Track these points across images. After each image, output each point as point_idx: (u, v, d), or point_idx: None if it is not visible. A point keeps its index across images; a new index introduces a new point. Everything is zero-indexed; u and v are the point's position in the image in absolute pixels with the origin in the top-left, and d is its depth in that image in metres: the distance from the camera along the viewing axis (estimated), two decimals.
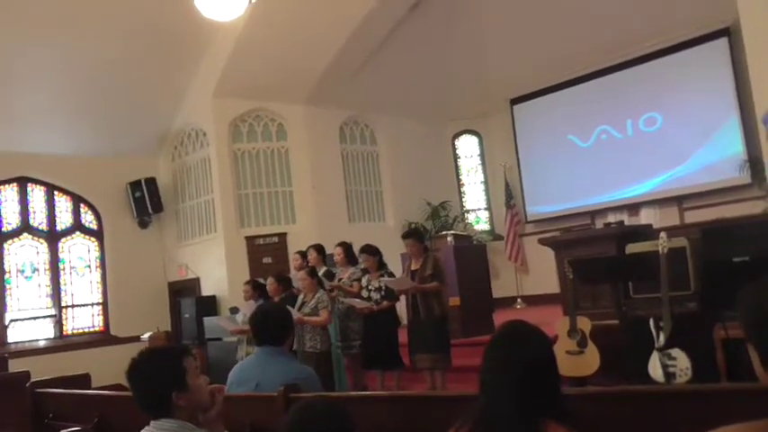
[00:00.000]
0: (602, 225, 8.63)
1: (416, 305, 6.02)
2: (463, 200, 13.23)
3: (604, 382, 5.03)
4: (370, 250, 6.59)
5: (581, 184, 11.25)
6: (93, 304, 11.03)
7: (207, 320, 9.53)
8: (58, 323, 10.62)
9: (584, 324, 5.42)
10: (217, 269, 10.54)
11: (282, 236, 10.70)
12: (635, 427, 2.02)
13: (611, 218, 9.69)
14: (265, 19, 8.98)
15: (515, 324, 2.01)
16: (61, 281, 10.79)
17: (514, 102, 12.32)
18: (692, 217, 9.47)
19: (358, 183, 11.87)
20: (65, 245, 10.95)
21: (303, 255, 7.59)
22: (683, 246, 5.52)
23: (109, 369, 5.99)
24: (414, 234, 6.41)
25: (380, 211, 12.08)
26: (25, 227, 10.60)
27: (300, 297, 6.51)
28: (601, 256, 6.06)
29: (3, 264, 10.26)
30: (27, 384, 4.61)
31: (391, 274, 6.64)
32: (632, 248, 5.81)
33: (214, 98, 10.46)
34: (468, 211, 13.17)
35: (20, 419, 4.60)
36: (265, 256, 10.51)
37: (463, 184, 13.31)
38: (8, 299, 10.21)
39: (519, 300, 11.60)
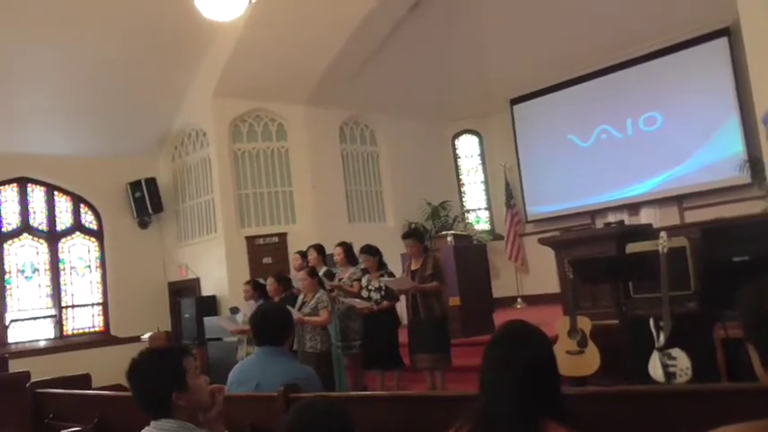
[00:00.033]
0: (602, 225, 8.64)
1: (416, 305, 6.02)
2: (463, 200, 13.23)
3: (604, 381, 5.03)
4: (371, 250, 6.59)
5: (581, 184, 11.25)
6: (93, 304, 11.03)
7: (207, 320, 9.53)
8: (59, 323, 10.62)
9: (585, 324, 5.42)
10: (217, 269, 10.54)
11: (282, 236, 10.70)
12: (635, 427, 2.02)
13: (612, 217, 9.70)
14: (265, 19, 8.98)
15: (515, 324, 2.01)
16: (61, 281, 10.80)
17: (514, 102, 12.32)
18: (692, 216, 9.47)
19: (358, 183, 11.87)
20: (65, 245, 10.95)
21: (303, 255, 7.59)
22: (683, 245, 5.52)
23: (109, 369, 5.99)
24: (414, 234, 6.41)
25: (380, 211, 12.08)
26: (25, 227, 10.60)
27: (300, 297, 6.51)
28: (601, 256, 6.05)
29: (3, 264, 10.26)
30: (27, 384, 4.61)
31: (391, 275, 6.64)
32: (632, 248, 5.81)
33: (214, 98, 10.46)
34: (468, 211, 13.18)
35: (20, 420, 4.60)
36: (265, 256, 10.51)
37: (463, 184, 13.31)
38: (8, 299, 10.22)
39: (519, 300, 11.60)
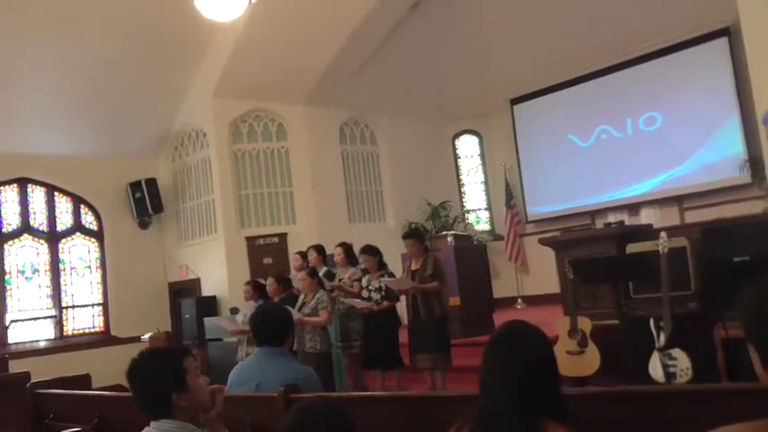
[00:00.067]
0: (602, 225, 8.63)
1: (417, 305, 6.02)
2: (463, 200, 13.23)
3: (605, 382, 5.03)
4: (371, 251, 6.59)
5: (581, 184, 11.25)
6: (93, 305, 11.03)
7: (207, 321, 9.53)
8: (59, 324, 10.62)
9: (585, 324, 5.41)
10: (217, 270, 10.55)
11: (283, 236, 10.71)
12: (635, 427, 2.02)
13: (612, 218, 9.70)
14: (265, 19, 8.98)
15: (515, 324, 2.01)
16: (61, 281, 10.80)
17: (515, 102, 12.32)
18: (693, 217, 9.47)
19: (358, 183, 11.87)
20: (65, 246, 10.96)
21: (303, 255, 7.59)
22: (684, 246, 5.52)
23: (109, 370, 5.98)
24: (414, 234, 6.41)
25: (381, 211, 12.08)
26: (25, 228, 10.60)
27: (301, 297, 6.51)
28: (601, 256, 6.05)
29: (3, 264, 10.26)
30: (27, 385, 4.61)
31: (391, 275, 6.63)
32: (632, 248, 5.81)
33: (214, 98, 10.47)
34: (468, 212, 13.17)
35: (20, 420, 4.60)
36: (266, 256, 10.51)
37: (463, 185, 13.31)
38: (8, 300, 10.22)
39: (519, 300, 11.60)
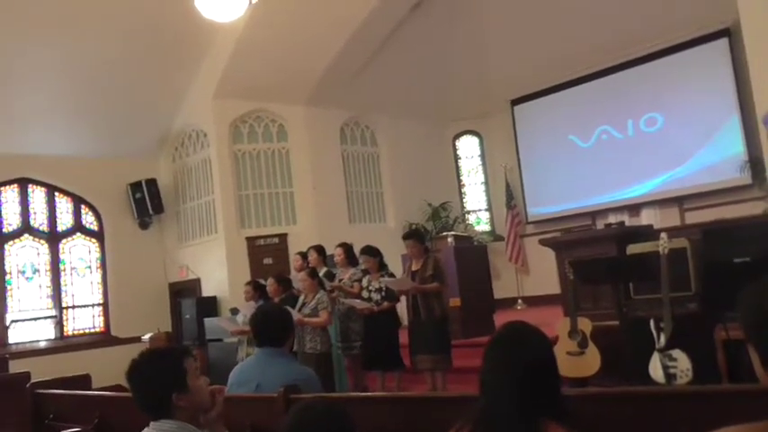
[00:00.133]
0: (602, 226, 8.62)
1: (417, 306, 6.02)
2: (464, 201, 13.23)
3: (605, 383, 5.03)
4: (371, 251, 6.60)
5: (582, 185, 11.25)
6: (93, 305, 11.03)
7: (207, 321, 9.53)
8: (59, 324, 10.62)
9: (585, 325, 5.41)
10: (217, 270, 10.55)
11: (283, 237, 10.71)
12: (635, 427, 2.02)
13: (612, 218, 9.69)
14: (266, 20, 8.98)
15: (515, 325, 2.01)
16: (62, 282, 10.79)
17: (515, 102, 12.32)
18: (693, 218, 9.47)
19: (358, 184, 11.87)
20: (65, 246, 10.96)
21: (304, 256, 7.59)
22: (684, 246, 5.52)
23: (109, 370, 5.97)
24: (414, 235, 6.41)
25: (381, 211, 12.08)
26: (26, 228, 10.60)
27: (301, 298, 6.51)
28: (601, 257, 6.05)
29: (3, 265, 10.26)
30: (27, 385, 4.62)
31: (392, 275, 6.64)
32: (633, 249, 5.80)
33: (214, 99, 10.47)
34: (468, 212, 13.17)
35: (20, 420, 4.61)
36: (266, 256, 10.51)
37: (464, 185, 13.31)
38: (9, 300, 10.22)
39: (520, 300, 11.59)
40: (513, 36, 11.12)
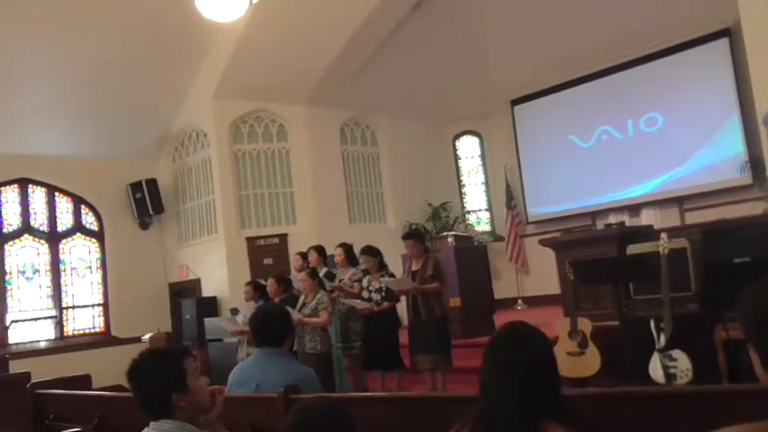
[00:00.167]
0: (602, 226, 8.62)
1: (417, 306, 6.02)
2: (464, 201, 13.22)
3: (605, 383, 5.03)
4: (371, 251, 6.60)
5: (582, 185, 11.25)
6: (93, 305, 11.03)
7: (207, 321, 9.53)
8: (59, 324, 10.62)
9: (585, 325, 5.41)
10: (217, 270, 10.54)
11: (283, 237, 10.70)
12: (635, 428, 2.02)
13: (612, 219, 9.68)
14: (266, 20, 8.98)
15: (515, 325, 2.01)
16: (62, 282, 10.79)
17: (515, 102, 12.32)
18: (693, 218, 9.47)
19: (359, 184, 11.87)
20: (65, 246, 10.95)
21: (304, 256, 7.59)
22: (684, 247, 5.52)
23: (109, 370, 5.97)
24: (414, 235, 6.41)
25: (381, 212, 12.07)
26: (26, 228, 10.60)
27: (301, 298, 6.51)
28: (602, 257, 6.05)
29: (4, 265, 10.26)
30: (28, 385, 4.62)
31: (392, 275, 6.64)
32: (633, 249, 5.80)
33: (215, 99, 10.47)
34: (468, 212, 13.17)
35: (20, 420, 4.61)
36: (266, 257, 10.51)
37: (464, 185, 13.31)
38: (9, 300, 10.21)
39: (520, 301, 11.59)
40: (513, 36, 11.13)
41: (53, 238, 10.83)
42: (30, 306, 10.44)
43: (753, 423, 1.29)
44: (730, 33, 9.53)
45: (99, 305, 11.05)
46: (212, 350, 9.32)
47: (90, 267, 11.14)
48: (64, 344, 10.41)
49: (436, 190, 12.35)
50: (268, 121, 11.01)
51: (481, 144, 13.31)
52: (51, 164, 10.52)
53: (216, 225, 10.74)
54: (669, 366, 4.66)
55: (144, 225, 11.32)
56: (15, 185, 10.56)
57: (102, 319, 11.02)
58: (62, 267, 10.84)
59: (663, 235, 5.08)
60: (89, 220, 11.22)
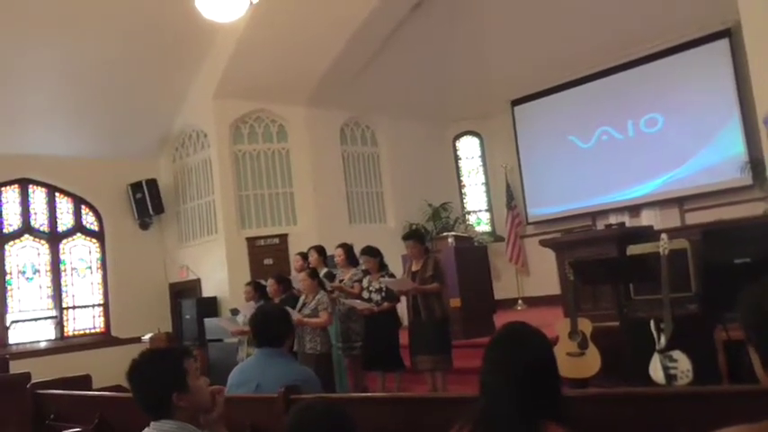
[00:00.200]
0: (603, 226, 8.63)
1: (417, 306, 6.02)
2: (464, 201, 13.22)
3: (605, 383, 5.03)
4: (371, 252, 6.60)
5: (582, 186, 11.25)
6: (94, 305, 11.03)
7: (208, 321, 9.53)
8: (59, 324, 10.62)
9: (585, 326, 5.41)
10: (218, 270, 10.54)
11: (283, 237, 10.70)
12: (636, 428, 2.02)
13: (613, 219, 9.70)
14: (266, 20, 8.98)
15: (515, 325, 2.01)
16: (62, 282, 10.79)
17: (515, 103, 12.32)
18: (693, 218, 9.47)
19: (359, 184, 11.87)
20: (66, 246, 10.95)
21: (304, 256, 7.59)
22: (684, 247, 5.52)
23: (110, 370, 5.97)
24: (414, 235, 6.41)
25: (381, 212, 12.07)
26: (26, 228, 10.60)
27: (301, 298, 6.51)
28: (602, 258, 6.05)
29: (4, 265, 10.25)
30: (28, 386, 4.62)
31: (392, 276, 6.64)
32: (633, 250, 5.81)
33: (215, 99, 10.47)
34: (469, 213, 13.17)
35: (20, 420, 4.61)
36: (266, 257, 10.51)
37: (464, 186, 13.31)
38: (9, 300, 10.21)
39: (520, 301, 11.59)
40: (513, 36, 11.12)
41: (53, 238, 10.83)
42: (30, 306, 10.44)
43: (753, 424, 1.29)
44: (730, 34, 9.53)
45: (99, 305, 11.05)
46: (212, 350, 9.32)
47: (90, 267, 11.14)
48: (64, 344, 10.41)
49: (436, 190, 12.35)
50: (268, 122, 11.02)
51: (481, 144, 13.31)
52: (51, 164, 10.52)
53: (216, 225, 10.74)
54: (669, 367, 4.66)
55: (144, 225, 11.32)
56: (16, 186, 10.56)
57: (102, 319, 11.02)
58: (62, 267, 10.84)
59: (663, 235, 5.08)
60: (89, 220, 11.22)
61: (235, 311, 8.18)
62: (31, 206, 10.69)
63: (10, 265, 10.35)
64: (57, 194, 10.94)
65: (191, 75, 10.40)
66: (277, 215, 10.86)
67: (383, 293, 6.43)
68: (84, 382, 5.38)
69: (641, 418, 2.01)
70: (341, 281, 6.94)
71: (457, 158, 13.34)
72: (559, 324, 5.60)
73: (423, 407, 2.62)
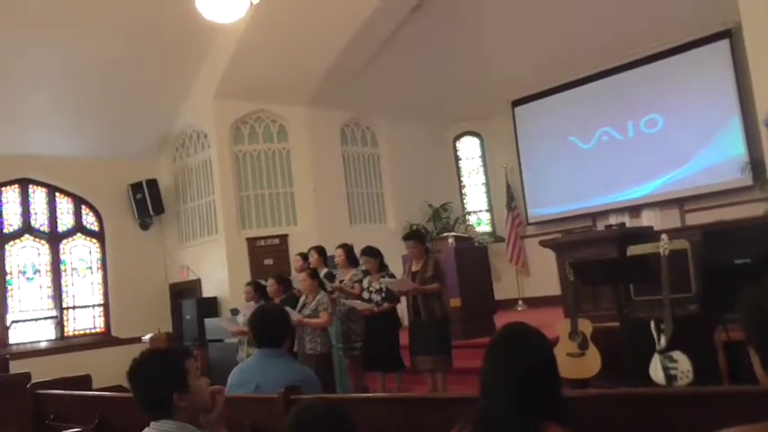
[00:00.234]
0: (603, 227, 8.63)
1: (417, 307, 6.02)
2: (464, 202, 13.22)
3: (605, 384, 5.02)
4: (371, 252, 6.60)
5: (582, 186, 11.25)
6: (94, 305, 11.03)
7: (208, 322, 9.54)
8: (60, 324, 10.62)
9: (585, 326, 5.41)
10: (218, 270, 10.54)
11: (283, 237, 10.70)
12: (636, 429, 2.02)
13: (613, 220, 9.70)
14: (267, 20, 8.98)
15: (516, 326, 2.01)
16: (62, 282, 10.79)
17: (516, 103, 12.32)
18: (694, 219, 9.47)
19: (359, 184, 11.87)
20: (66, 246, 10.95)
21: (304, 256, 7.59)
22: (685, 248, 5.52)
23: (110, 370, 5.99)
24: (415, 236, 6.41)
25: (381, 212, 12.08)
26: (27, 228, 10.60)
27: (301, 299, 6.51)
28: (602, 258, 6.05)
29: (4, 265, 10.26)
30: (28, 386, 4.62)
31: (392, 276, 6.64)
32: (633, 250, 5.81)
33: (215, 100, 10.47)
34: (469, 213, 13.17)
35: (21, 420, 4.61)
36: (266, 257, 10.51)
37: (464, 186, 13.31)
38: (9, 300, 10.21)
39: (520, 302, 11.59)
40: (513, 37, 11.12)
41: (54, 238, 10.83)
42: (30, 306, 10.44)
43: (753, 424, 1.29)
44: (731, 35, 9.53)
45: (99, 305, 11.05)
46: (213, 350, 9.32)
47: (90, 268, 11.14)
48: (64, 344, 10.41)
49: (437, 191, 12.35)
50: (268, 122, 11.02)
51: (482, 145, 13.31)
52: (52, 164, 10.52)
53: (216, 225, 10.74)
54: (669, 367, 4.66)
55: (144, 225, 11.32)
56: (16, 186, 10.56)
57: (102, 319, 11.02)
58: (62, 268, 10.84)
59: (663, 236, 5.08)
60: (89, 220, 11.22)
61: (235, 312, 8.18)
62: (32, 206, 10.69)
63: (10, 265, 10.35)
64: (57, 194, 10.94)
65: (191, 75, 10.41)
66: (277, 215, 10.86)
67: (383, 294, 6.43)
68: (85, 382, 5.38)
69: (641, 419, 2.01)
70: (341, 281, 6.94)
71: (457, 159, 13.35)
72: (560, 325, 5.59)
73: (423, 407, 2.62)
